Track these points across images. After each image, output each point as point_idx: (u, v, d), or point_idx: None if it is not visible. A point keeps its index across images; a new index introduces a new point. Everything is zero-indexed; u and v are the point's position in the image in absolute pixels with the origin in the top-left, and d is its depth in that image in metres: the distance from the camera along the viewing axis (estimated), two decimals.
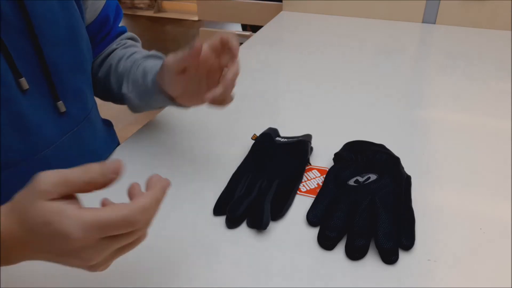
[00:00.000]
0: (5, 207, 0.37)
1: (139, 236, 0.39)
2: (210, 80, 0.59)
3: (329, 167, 0.66)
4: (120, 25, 0.80)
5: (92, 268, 0.38)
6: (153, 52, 0.74)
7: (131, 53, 0.74)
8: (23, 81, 0.54)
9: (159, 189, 0.38)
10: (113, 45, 0.77)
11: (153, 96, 0.66)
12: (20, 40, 0.54)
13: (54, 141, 0.60)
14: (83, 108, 0.66)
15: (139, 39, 0.84)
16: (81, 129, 0.65)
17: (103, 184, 0.37)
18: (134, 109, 0.74)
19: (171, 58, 0.58)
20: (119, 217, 0.34)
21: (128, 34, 0.82)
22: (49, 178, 0.35)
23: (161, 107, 0.75)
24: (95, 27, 0.71)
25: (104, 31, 0.75)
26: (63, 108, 0.60)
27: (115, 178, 0.37)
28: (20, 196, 0.37)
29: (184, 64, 0.57)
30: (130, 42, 0.80)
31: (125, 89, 0.70)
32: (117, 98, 0.74)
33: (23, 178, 0.56)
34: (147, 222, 0.37)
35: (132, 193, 0.39)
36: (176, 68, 0.57)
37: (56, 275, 0.49)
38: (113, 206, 0.35)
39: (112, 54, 0.76)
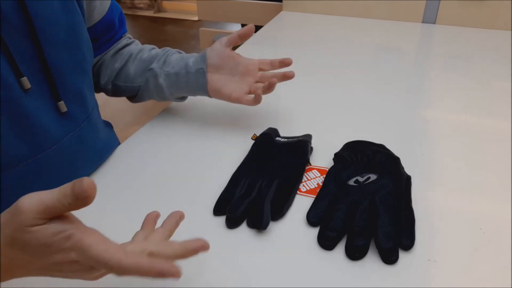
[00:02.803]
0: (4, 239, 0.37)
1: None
2: (241, 83, 0.73)
3: (329, 167, 0.66)
4: None
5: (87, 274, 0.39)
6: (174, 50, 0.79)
7: (152, 47, 0.80)
8: (25, 80, 0.54)
9: (144, 262, 0.36)
10: (123, 41, 0.80)
11: (188, 75, 0.73)
12: (21, 40, 0.54)
13: (56, 141, 0.60)
14: (84, 109, 0.66)
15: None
16: (83, 130, 0.65)
17: (78, 206, 0.36)
18: (139, 96, 0.79)
19: (224, 38, 0.72)
20: (102, 258, 0.35)
21: (129, 35, 0.84)
22: (30, 209, 0.36)
23: (174, 97, 0.79)
24: (102, 26, 0.73)
25: (110, 32, 0.77)
26: (64, 108, 0.60)
27: (87, 198, 0.36)
28: (10, 228, 0.37)
29: (237, 39, 0.72)
30: (138, 41, 0.84)
31: (155, 65, 0.75)
32: (129, 86, 0.79)
33: (25, 177, 0.57)
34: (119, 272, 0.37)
35: (145, 225, 0.46)
36: (229, 40, 0.72)
37: None
38: (104, 245, 0.36)
39: (128, 47, 0.80)
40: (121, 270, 0.35)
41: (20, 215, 0.35)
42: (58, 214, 0.37)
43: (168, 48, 0.80)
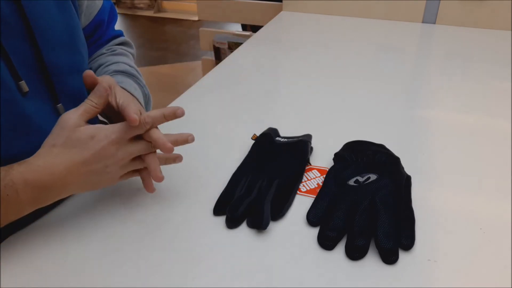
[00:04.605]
0: (48, 144, 0.49)
1: (152, 151, 0.55)
2: None
3: (329, 167, 0.66)
4: (119, 26, 0.79)
5: (120, 169, 0.52)
6: (128, 69, 0.71)
7: (111, 63, 0.72)
8: (23, 84, 0.54)
9: (168, 109, 0.54)
10: (103, 50, 0.76)
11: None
12: (19, 43, 0.54)
13: None
14: None
15: (132, 44, 0.82)
16: None
17: (102, 105, 0.52)
18: None
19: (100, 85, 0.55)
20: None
21: (122, 39, 0.80)
22: (72, 115, 0.49)
23: None
24: (89, 31, 0.71)
25: (97, 34, 0.74)
26: (62, 111, 0.60)
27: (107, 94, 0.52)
28: (57, 133, 0.49)
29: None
30: (119, 50, 0.78)
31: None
32: None
33: None
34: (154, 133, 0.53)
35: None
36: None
37: (56, 275, 0.49)
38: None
39: (97, 58, 0.75)
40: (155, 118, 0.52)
41: (68, 122, 0.49)
42: (93, 115, 0.51)
43: (118, 68, 0.71)
